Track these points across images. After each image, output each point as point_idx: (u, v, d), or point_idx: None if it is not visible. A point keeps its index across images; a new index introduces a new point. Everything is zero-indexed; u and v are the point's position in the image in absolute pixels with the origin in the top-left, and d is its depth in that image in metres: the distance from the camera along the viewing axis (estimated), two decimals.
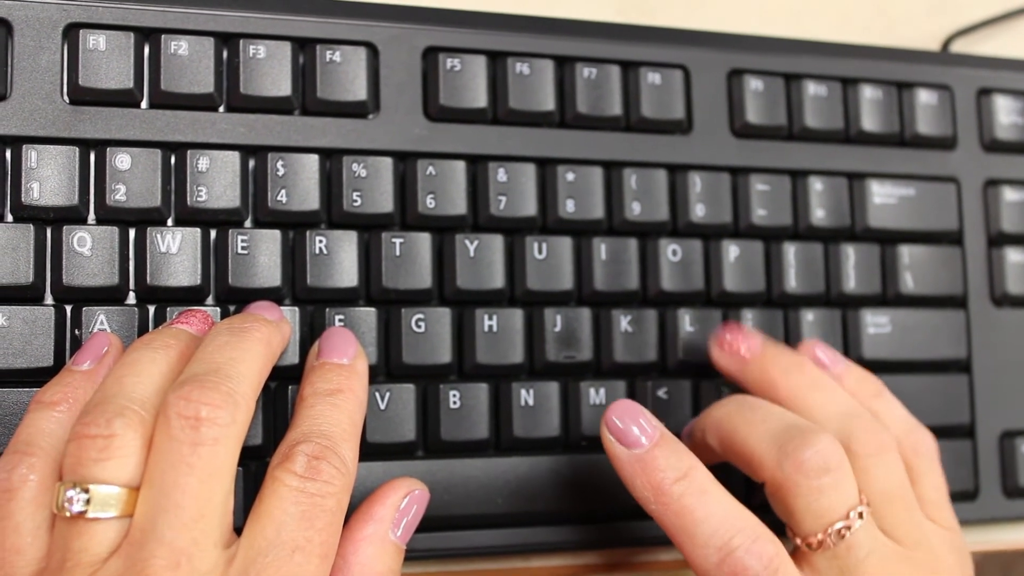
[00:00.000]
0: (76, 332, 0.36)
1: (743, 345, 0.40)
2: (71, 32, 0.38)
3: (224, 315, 0.38)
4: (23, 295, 0.36)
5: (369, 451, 0.39)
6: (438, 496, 0.39)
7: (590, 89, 0.43)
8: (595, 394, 0.41)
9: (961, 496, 0.46)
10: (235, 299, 0.38)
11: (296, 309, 0.38)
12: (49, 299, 0.37)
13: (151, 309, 0.37)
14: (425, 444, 0.40)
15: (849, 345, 0.45)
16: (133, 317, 0.37)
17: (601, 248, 0.42)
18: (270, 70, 0.39)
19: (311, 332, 0.39)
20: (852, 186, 0.46)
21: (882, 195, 0.46)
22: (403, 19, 0.41)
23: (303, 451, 0.31)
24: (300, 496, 0.30)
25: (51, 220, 0.37)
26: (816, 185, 0.45)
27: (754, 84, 0.45)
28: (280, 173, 0.39)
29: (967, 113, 0.48)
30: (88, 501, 0.29)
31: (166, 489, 0.29)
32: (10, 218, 0.37)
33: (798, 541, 0.35)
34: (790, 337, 0.44)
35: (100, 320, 0.37)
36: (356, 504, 0.34)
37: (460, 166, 0.41)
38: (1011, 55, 0.50)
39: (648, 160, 0.43)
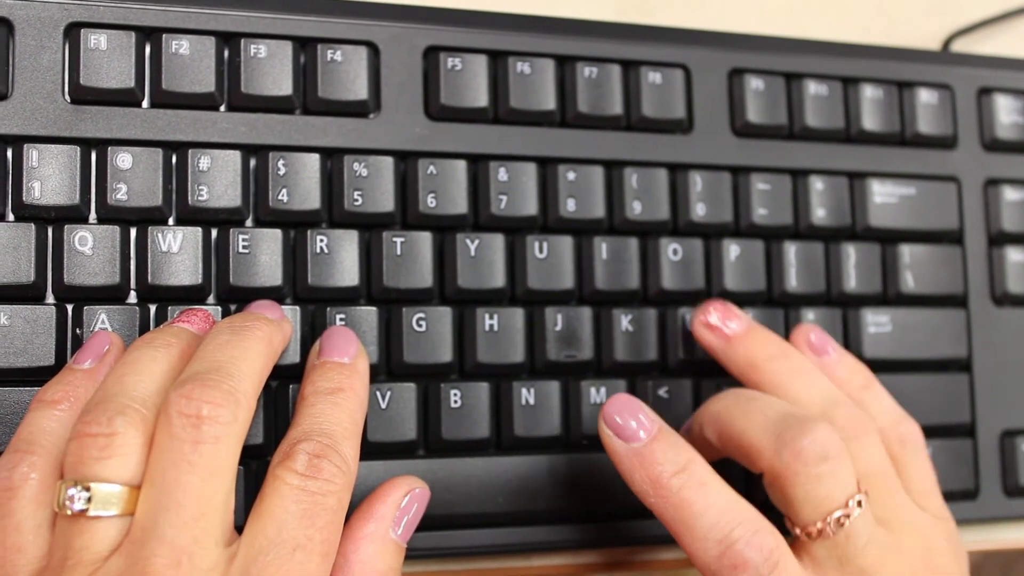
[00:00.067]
0: (77, 331, 0.36)
1: (729, 324, 0.40)
2: (72, 31, 0.38)
3: (225, 314, 0.38)
4: (24, 294, 0.36)
5: (370, 450, 0.39)
6: (439, 495, 0.39)
7: (591, 88, 0.43)
8: (596, 393, 0.41)
9: (961, 495, 0.46)
10: (236, 298, 0.38)
11: (297, 308, 0.38)
12: (50, 298, 0.37)
13: (152, 308, 0.37)
14: (426, 443, 0.40)
15: (850, 344, 0.45)
16: (134, 316, 0.37)
17: (602, 247, 0.42)
18: (271, 69, 0.39)
19: (312, 331, 0.39)
20: (853, 185, 0.46)
21: (883, 194, 0.46)
22: (404, 18, 0.41)
23: (304, 449, 0.31)
24: (301, 494, 0.30)
25: (52, 219, 0.37)
26: (817, 184, 0.45)
27: (755, 83, 0.45)
28: (281, 172, 0.39)
29: (967, 112, 0.48)
30: (89, 499, 0.29)
31: (167, 487, 0.29)
32: (11, 217, 0.37)
33: (797, 531, 0.35)
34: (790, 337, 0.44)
35: (101, 319, 0.37)
36: (357, 503, 0.34)
37: (461, 165, 0.41)
38: (1011, 54, 0.50)
39: (649, 159, 0.43)
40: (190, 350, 0.33)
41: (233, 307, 0.38)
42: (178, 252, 0.37)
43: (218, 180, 0.38)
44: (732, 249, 0.44)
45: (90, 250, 0.37)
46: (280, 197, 0.39)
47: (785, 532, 0.35)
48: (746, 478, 0.41)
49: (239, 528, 0.31)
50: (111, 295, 0.37)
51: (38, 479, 0.30)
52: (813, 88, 0.45)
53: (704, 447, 0.37)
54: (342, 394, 0.34)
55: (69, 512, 0.29)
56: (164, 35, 0.38)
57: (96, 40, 0.37)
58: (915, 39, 0.52)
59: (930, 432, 0.45)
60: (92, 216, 0.37)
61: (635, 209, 0.43)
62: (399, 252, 0.40)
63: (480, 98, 0.41)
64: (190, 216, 0.38)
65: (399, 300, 0.40)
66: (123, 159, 0.37)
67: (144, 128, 0.38)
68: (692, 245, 0.43)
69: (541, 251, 0.41)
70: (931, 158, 0.47)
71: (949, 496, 0.43)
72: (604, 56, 0.43)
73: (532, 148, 0.42)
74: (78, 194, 0.37)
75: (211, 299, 0.38)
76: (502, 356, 0.40)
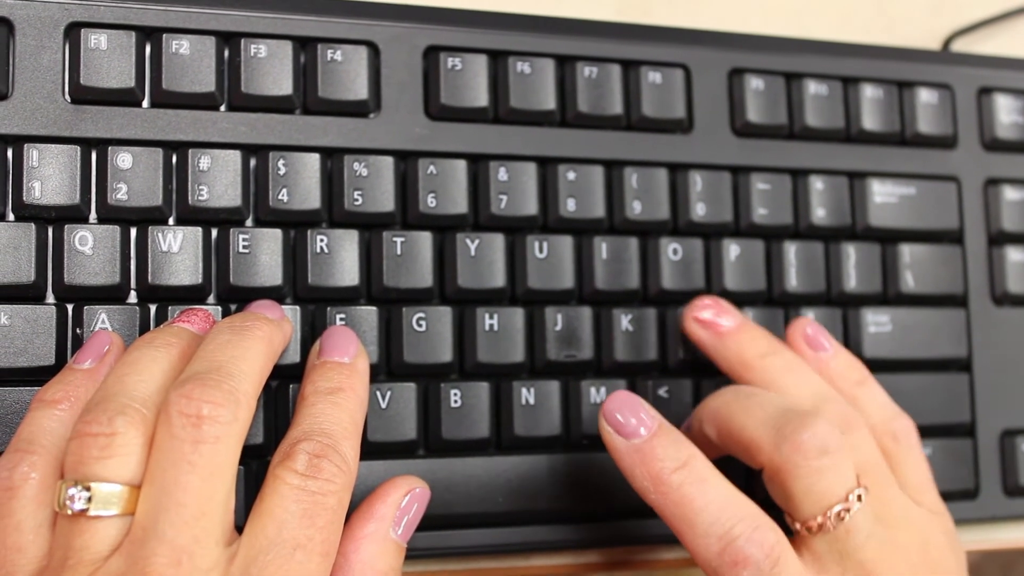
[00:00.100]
0: (77, 331, 0.36)
1: (721, 320, 0.40)
2: (73, 31, 0.38)
3: (225, 314, 0.38)
4: (25, 294, 0.36)
5: (370, 450, 0.39)
6: (439, 495, 0.39)
7: (591, 88, 0.43)
8: (596, 393, 0.41)
9: (961, 495, 0.46)
10: (236, 298, 0.38)
11: (297, 308, 0.39)
12: (50, 298, 0.37)
13: (152, 308, 0.37)
14: (426, 443, 0.40)
15: (850, 344, 0.45)
16: (134, 316, 0.37)
17: (602, 247, 0.42)
18: (271, 69, 0.39)
19: (312, 331, 0.39)
20: (853, 185, 0.46)
21: (883, 194, 0.46)
22: (404, 18, 0.41)
23: (304, 449, 0.31)
24: (301, 494, 0.30)
25: (52, 219, 0.37)
26: (817, 184, 0.45)
27: (755, 83, 0.45)
28: (281, 172, 0.39)
29: (968, 112, 0.48)
30: (89, 499, 0.29)
31: (167, 487, 0.29)
32: (11, 217, 0.37)
33: (797, 526, 0.35)
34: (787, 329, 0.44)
35: (101, 319, 0.37)
36: (357, 502, 0.34)
37: (461, 165, 0.41)
38: (1011, 54, 0.50)
39: (649, 159, 0.43)
40: (190, 350, 0.33)
41: (233, 307, 0.38)
42: (178, 252, 0.37)
43: (218, 180, 0.38)
44: (732, 249, 0.44)
45: (90, 250, 0.37)
46: (280, 197, 0.39)
47: (785, 530, 0.35)
48: (746, 476, 0.41)
49: (239, 528, 0.31)
50: (111, 295, 0.37)
51: (38, 479, 0.30)
52: (813, 88, 0.45)
53: (704, 445, 0.37)
54: (342, 394, 0.34)
55: (69, 512, 0.29)
56: (164, 35, 0.38)
57: (96, 40, 0.37)
58: (915, 39, 0.52)
59: (930, 432, 0.45)
60: (92, 216, 0.37)
61: (635, 209, 0.43)
62: (399, 252, 0.40)
63: (480, 98, 0.41)
64: (190, 216, 0.38)
65: (399, 300, 0.40)
66: (123, 159, 0.37)
67: (144, 128, 0.38)
68: (692, 245, 0.43)
69: (541, 251, 0.41)
70: (931, 158, 0.47)
71: (949, 496, 0.43)
72: (604, 56, 0.43)
73: (532, 148, 0.42)
74: (78, 194, 0.37)
75: (211, 299, 0.38)
76: (502, 356, 0.40)
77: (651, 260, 0.43)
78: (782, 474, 0.35)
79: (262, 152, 0.39)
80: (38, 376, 0.36)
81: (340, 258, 0.39)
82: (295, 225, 0.39)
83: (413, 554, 0.39)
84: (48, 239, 0.37)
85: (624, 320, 0.42)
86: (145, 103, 0.38)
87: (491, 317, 0.40)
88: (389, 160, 0.40)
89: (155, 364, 0.32)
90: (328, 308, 0.39)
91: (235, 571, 0.29)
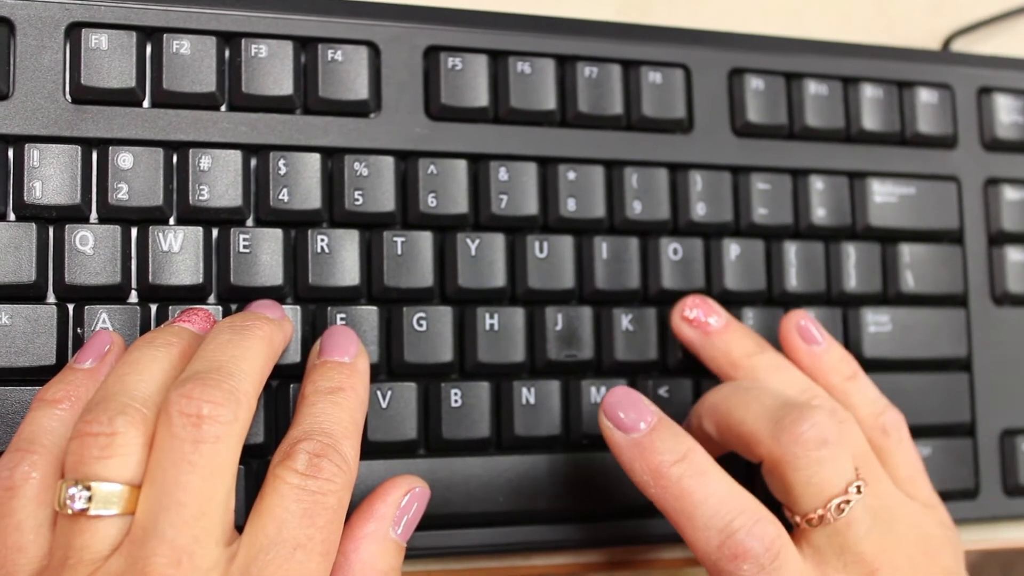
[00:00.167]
0: (78, 331, 0.36)
1: (708, 319, 0.40)
2: (73, 31, 0.38)
3: (226, 314, 0.38)
4: (25, 294, 0.36)
5: (371, 449, 0.39)
6: (439, 494, 0.39)
7: (591, 88, 0.43)
8: (596, 393, 0.41)
9: (961, 495, 0.46)
10: (237, 298, 0.38)
11: (298, 308, 0.39)
12: (51, 298, 0.37)
13: (153, 308, 0.37)
14: (426, 442, 0.40)
15: (850, 344, 0.45)
16: (135, 316, 0.37)
17: (602, 247, 0.42)
18: (272, 69, 0.39)
19: (313, 331, 0.39)
20: (853, 185, 0.46)
21: (883, 194, 0.46)
22: (404, 18, 0.41)
23: (304, 449, 0.31)
24: (301, 494, 0.30)
25: (53, 219, 0.37)
26: (817, 184, 0.45)
27: (755, 83, 0.45)
28: (282, 172, 0.39)
29: (968, 112, 0.48)
30: (90, 499, 0.29)
31: (167, 487, 0.29)
32: (12, 217, 0.37)
33: (797, 519, 0.35)
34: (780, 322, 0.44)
35: (102, 319, 0.37)
36: (357, 502, 0.34)
37: (461, 165, 0.41)
38: (1011, 54, 0.50)
39: (649, 159, 0.43)
40: (191, 350, 0.33)
41: (234, 307, 0.38)
42: (179, 252, 0.37)
43: (219, 180, 0.38)
44: (732, 249, 0.44)
45: (91, 250, 0.37)
46: (281, 197, 0.39)
47: (784, 525, 0.35)
48: (747, 474, 0.41)
49: (239, 527, 0.31)
50: (112, 295, 0.37)
51: (39, 478, 0.30)
52: (813, 88, 0.45)
53: (704, 441, 0.37)
54: (342, 393, 0.34)
55: (70, 511, 0.29)
56: (165, 35, 0.38)
57: (97, 40, 0.38)
58: (915, 39, 0.52)
59: (930, 431, 0.45)
60: (93, 216, 0.37)
61: (635, 209, 0.43)
62: (400, 252, 0.40)
63: (480, 98, 0.41)
64: (191, 216, 0.38)
65: (400, 300, 0.40)
66: (124, 159, 0.37)
67: (145, 128, 0.38)
68: (692, 245, 0.43)
69: (541, 251, 0.41)
70: (931, 158, 0.47)
71: (949, 496, 0.43)
72: (604, 56, 0.43)
73: (532, 148, 0.42)
74: (79, 194, 0.37)
75: (212, 299, 0.38)
76: (502, 356, 0.40)
77: (651, 260, 0.43)
78: (781, 466, 0.35)
79: (263, 152, 0.39)
80: (39, 376, 0.36)
81: (341, 258, 0.39)
82: (296, 225, 0.39)
83: (413, 553, 0.39)
84: (49, 239, 0.37)
85: (624, 320, 0.42)
86: (146, 103, 0.38)
87: (491, 317, 0.40)
88: (389, 160, 0.40)
89: (155, 364, 0.32)
90: (328, 308, 0.39)
91: (235, 571, 0.29)
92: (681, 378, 0.43)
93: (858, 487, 0.34)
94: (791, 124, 0.45)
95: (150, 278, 0.37)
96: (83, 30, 0.37)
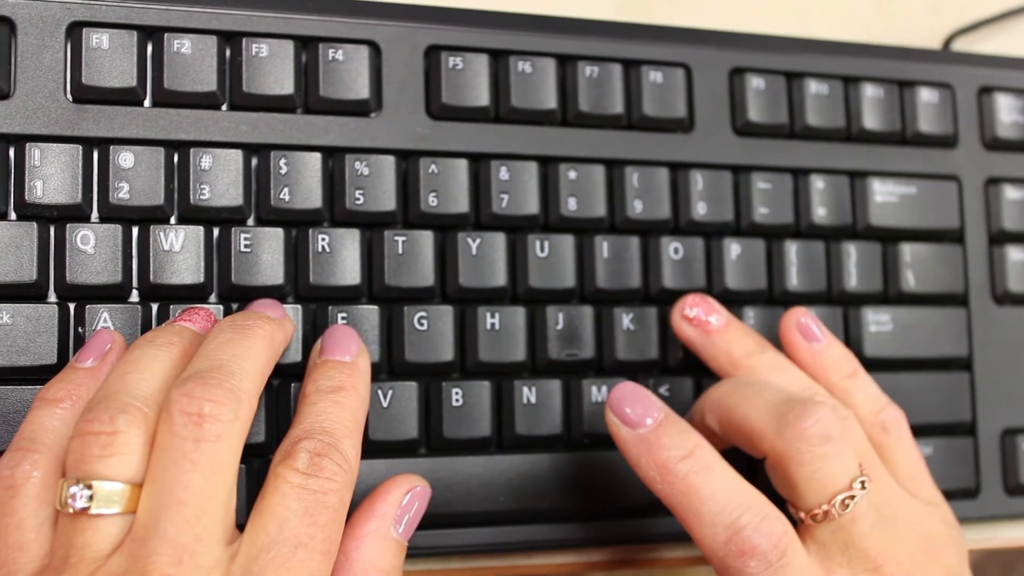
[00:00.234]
0: (79, 330, 0.37)
1: (709, 318, 0.40)
2: (74, 31, 0.38)
3: (227, 313, 0.38)
4: (27, 293, 0.36)
5: (372, 449, 0.39)
6: (440, 493, 0.39)
7: (592, 87, 0.43)
8: (597, 392, 0.41)
9: (962, 494, 0.46)
10: (238, 297, 0.38)
11: (299, 307, 0.39)
12: (52, 297, 0.37)
13: (154, 307, 0.37)
14: (427, 442, 0.40)
15: (851, 343, 0.45)
16: (136, 315, 0.37)
17: (603, 246, 0.42)
18: (273, 68, 0.39)
19: (314, 330, 0.39)
20: (853, 184, 0.46)
21: (883, 193, 0.46)
22: (405, 18, 0.41)
23: (306, 448, 0.31)
24: (303, 493, 0.31)
25: (54, 218, 0.37)
26: (817, 183, 0.45)
27: (756, 82, 0.45)
28: (283, 171, 0.39)
29: (968, 111, 0.48)
30: (91, 497, 0.29)
31: (169, 486, 0.29)
32: (13, 216, 0.37)
33: (802, 515, 0.35)
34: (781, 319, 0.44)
35: (103, 318, 0.37)
36: (358, 501, 0.34)
37: (462, 164, 0.41)
38: (1012, 53, 0.50)
39: (650, 158, 0.43)
40: (192, 349, 0.33)
41: (235, 306, 0.38)
42: (180, 251, 0.38)
43: (220, 179, 0.38)
44: (733, 248, 0.44)
45: (92, 249, 0.37)
46: (282, 196, 0.39)
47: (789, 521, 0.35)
48: (749, 469, 0.41)
49: (240, 526, 0.31)
50: (113, 294, 0.37)
51: (40, 477, 0.30)
52: (814, 87, 0.45)
53: (707, 436, 0.37)
54: (344, 392, 0.34)
55: (71, 510, 0.29)
56: (166, 34, 0.38)
57: (98, 39, 0.38)
58: (916, 38, 0.52)
59: (931, 431, 0.45)
60: (94, 215, 0.37)
61: (636, 208, 0.43)
62: (400, 251, 0.40)
63: (481, 97, 0.41)
64: (192, 215, 0.38)
65: (400, 299, 0.40)
66: (125, 158, 0.37)
67: (146, 127, 0.38)
68: (693, 244, 0.43)
69: (542, 250, 0.41)
70: (932, 157, 0.47)
71: (950, 495, 0.43)
72: (605, 55, 0.43)
73: (533, 147, 0.42)
74: (80, 193, 0.37)
75: (213, 298, 0.38)
76: (503, 355, 0.40)
77: (652, 259, 0.43)
78: (785, 461, 0.35)
79: (263, 151, 0.39)
80: (40, 375, 0.36)
81: (341, 257, 0.39)
82: (297, 224, 0.39)
83: (414, 553, 0.39)
84: (50, 238, 0.37)
85: (625, 319, 0.42)
86: (147, 102, 0.38)
87: (492, 316, 0.40)
88: (390, 159, 0.40)
89: (157, 363, 0.32)
90: (329, 307, 0.39)
91: (236, 569, 0.29)
92: (682, 377, 0.43)
93: (862, 482, 0.34)
94: (792, 123, 0.45)
95: (151, 277, 0.37)
96: (84, 29, 0.37)
